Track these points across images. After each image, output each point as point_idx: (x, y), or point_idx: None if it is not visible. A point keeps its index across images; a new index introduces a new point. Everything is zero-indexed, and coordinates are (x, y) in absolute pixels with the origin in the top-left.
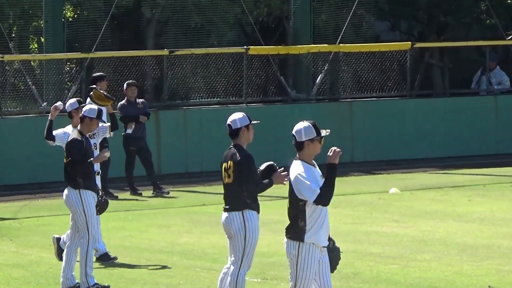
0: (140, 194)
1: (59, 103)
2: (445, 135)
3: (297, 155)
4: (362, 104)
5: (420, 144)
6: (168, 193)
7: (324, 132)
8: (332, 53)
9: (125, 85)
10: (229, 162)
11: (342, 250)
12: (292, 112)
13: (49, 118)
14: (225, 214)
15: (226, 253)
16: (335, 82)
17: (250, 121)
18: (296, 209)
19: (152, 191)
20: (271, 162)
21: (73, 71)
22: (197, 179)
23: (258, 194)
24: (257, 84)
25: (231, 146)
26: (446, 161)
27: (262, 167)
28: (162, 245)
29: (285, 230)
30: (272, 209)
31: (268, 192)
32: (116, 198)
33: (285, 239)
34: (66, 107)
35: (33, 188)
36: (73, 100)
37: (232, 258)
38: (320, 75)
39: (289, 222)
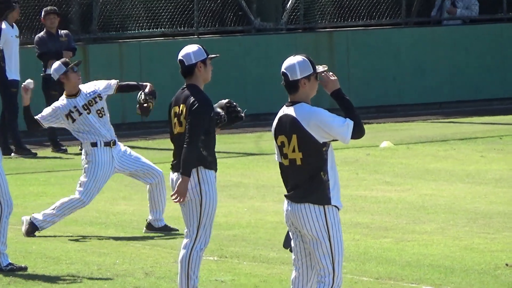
0: (65, 151)
1: (28, 81)
2: (452, 73)
3: (289, 99)
4: (346, 35)
5: (420, 86)
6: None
7: (321, 68)
8: None
9: (42, 12)
10: (181, 106)
11: None
12: (256, 46)
13: (23, 104)
14: (174, 175)
15: (173, 224)
16: (311, 6)
17: (208, 55)
18: (319, 160)
19: (79, 147)
20: (227, 100)
21: None
22: (138, 131)
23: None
24: (212, 10)
25: (184, 86)
26: (453, 106)
27: (217, 109)
28: (92, 215)
29: (291, 195)
30: (232, 169)
31: (227, 147)
32: (34, 155)
33: (297, 206)
34: (51, 74)
35: None
36: (56, 64)
37: (186, 230)
38: None
39: (298, 185)
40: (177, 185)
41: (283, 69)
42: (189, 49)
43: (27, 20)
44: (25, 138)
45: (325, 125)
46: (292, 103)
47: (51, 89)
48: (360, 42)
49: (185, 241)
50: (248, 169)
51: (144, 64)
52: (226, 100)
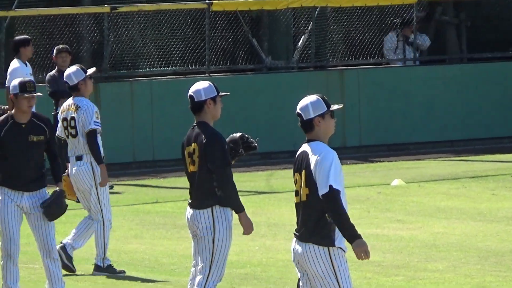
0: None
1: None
2: (463, 111)
3: (307, 138)
4: (356, 73)
5: (431, 124)
6: (111, 187)
7: (336, 106)
8: (318, 9)
9: (54, 51)
10: (193, 145)
11: None
12: (267, 84)
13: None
14: (190, 211)
15: (186, 262)
16: (322, 45)
17: (218, 93)
18: (320, 200)
19: None
20: (240, 134)
21: None
22: (148, 170)
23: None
24: (223, 49)
25: (194, 124)
26: (464, 144)
27: (229, 141)
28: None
29: (298, 234)
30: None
31: (238, 185)
32: None
33: (302, 246)
34: (66, 80)
35: None
36: (74, 68)
37: (200, 266)
38: (303, 36)
39: (305, 224)
40: (242, 224)
41: (297, 110)
42: (200, 86)
43: (38, 58)
44: None
45: (320, 167)
46: (308, 141)
47: None
48: (371, 80)
49: (198, 277)
50: (259, 207)
51: (155, 103)
52: (239, 134)
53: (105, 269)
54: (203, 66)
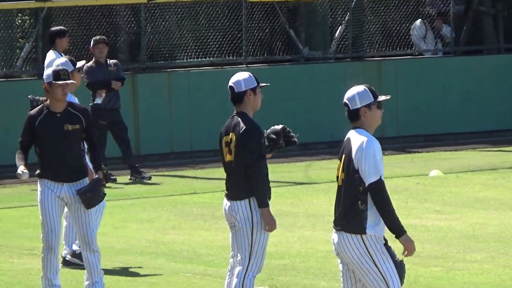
0: (114, 180)
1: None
2: (500, 102)
3: (352, 127)
4: (394, 64)
5: (468, 114)
6: (149, 178)
7: (383, 97)
8: None
9: (91, 42)
10: (230, 134)
11: None
12: (304, 75)
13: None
14: (227, 203)
15: (224, 253)
16: (359, 36)
17: (258, 83)
18: (355, 186)
19: (129, 177)
20: (282, 126)
21: (26, 24)
22: (186, 160)
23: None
24: (260, 40)
25: (233, 114)
26: (501, 135)
27: (271, 135)
28: (143, 245)
29: (334, 222)
30: (282, 198)
31: (276, 176)
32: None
33: (337, 235)
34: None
35: None
36: (63, 59)
37: (239, 257)
38: (340, 27)
39: (339, 210)
40: (263, 220)
41: (344, 99)
42: (240, 76)
43: (75, 49)
44: None
45: (365, 155)
46: (355, 127)
47: (100, 119)
48: (409, 71)
49: (237, 269)
50: (297, 198)
51: (192, 93)
52: (281, 126)
53: (77, 255)
54: (240, 57)
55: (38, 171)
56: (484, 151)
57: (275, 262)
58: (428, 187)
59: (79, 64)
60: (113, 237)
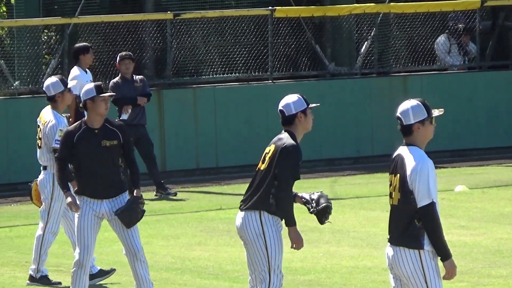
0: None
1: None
2: None
3: (405, 141)
4: (420, 79)
5: (494, 129)
6: (175, 194)
7: (436, 112)
8: (381, 15)
9: (117, 58)
10: (272, 146)
11: None
12: (330, 90)
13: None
14: (239, 215)
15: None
16: (385, 51)
17: (308, 105)
18: (411, 206)
19: (155, 193)
20: (329, 204)
21: (52, 40)
22: (212, 176)
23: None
24: (286, 55)
25: (284, 131)
26: None
27: (315, 196)
28: (168, 261)
29: (390, 237)
30: (306, 214)
31: (300, 191)
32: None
33: (393, 249)
34: (45, 90)
35: (4, 191)
36: (54, 79)
37: (255, 277)
38: (366, 42)
39: (396, 228)
40: (290, 238)
41: (397, 114)
42: (289, 99)
43: (101, 65)
44: None
45: (420, 177)
46: (407, 145)
47: None
48: (434, 86)
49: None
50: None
51: (218, 109)
52: (328, 205)
53: (38, 280)
54: (266, 73)
55: (76, 188)
56: (510, 166)
57: (301, 278)
58: (453, 202)
59: (70, 84)
60: None
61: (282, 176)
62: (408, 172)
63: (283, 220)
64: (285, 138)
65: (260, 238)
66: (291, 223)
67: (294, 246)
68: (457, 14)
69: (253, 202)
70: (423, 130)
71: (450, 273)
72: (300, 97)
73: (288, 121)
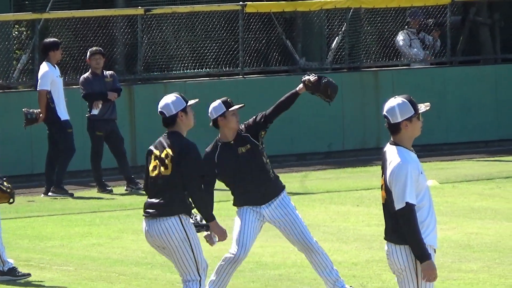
0: (110, 191)
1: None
2: (497, 112)
3: (392, 139)
4: (391, 74)
5: (465, 124)
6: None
7: (423, 107)
8: (351, 10)
9: (88, 53)
10: (165, 150)
11: (367, 259)
12: None
13: None
14: (154, 222)
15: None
16: (356, 46)
17: (187, 103)
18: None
19: (125, 187)
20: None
21: (22, 36)
22: None
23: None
24: (257, 51)
25: (166, 133)
26: (498, 145)
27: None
28: (138, 256)
29: (384, 233)
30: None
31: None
32: (71, 195)
33: (386, 244)
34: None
35: None
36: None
37: (184, 277)
38: (337, 38)
39: (386, 224)
40: (215, 233)
41: (384, 112)
42: (168, 100)
43: (72, 60)
44: (70, 179)
45: (396, 180)
46: (394, 144)
47: (96, 130)
48: (405, 81)
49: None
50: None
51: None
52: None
53: (6, 272)
54: (237, 68)
55: (233, 201)
56: (481, 160)
57: (271, 272)
58: None
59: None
60: (109, 248)
61: (190, 176)
62: (388, 174)
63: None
64: (177, 139)
65: (185, 243)
66: (210, 218)
67: (220, 239)
68: (417, 10)
69: (169, 208)
70: (411, 128)
71: (428, 275)
72: (179, 96)
73: (170, 122)
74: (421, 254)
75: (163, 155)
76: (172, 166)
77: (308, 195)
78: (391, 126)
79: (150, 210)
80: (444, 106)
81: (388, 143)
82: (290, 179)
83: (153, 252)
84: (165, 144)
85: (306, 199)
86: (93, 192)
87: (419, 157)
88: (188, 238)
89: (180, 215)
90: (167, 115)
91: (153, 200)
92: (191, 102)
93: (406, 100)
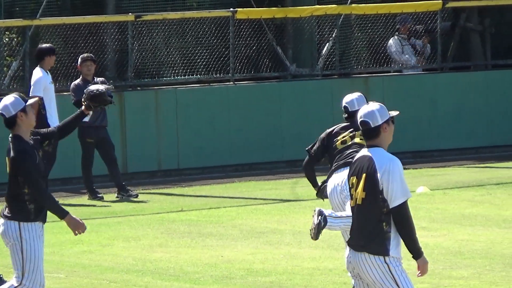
0: (101, 198)
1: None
2: (488, 118)
3: (369, 143)
4: (381, 80)
5: (456, 131)
6: (136, 196)
7: (393, 113)
8: (342, 16)
9: (79, 59)
10: (6, 159)
11: None
12: (291, 92)
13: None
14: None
15: (211, 271)
16: (346, 52)
17: (26, 102)
18: (378, 206)
19: (116, 194)
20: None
21: (13, 42)
22: (173, 178)
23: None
24: (248, 57)
25: (10, 137)
26: (489, 151)
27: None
28: (129, 263)
29: (352, 242)
30: (268, 215)
31: (263, 193)
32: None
33: (356, 254)
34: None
35: None
36: (11, 97)
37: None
38: (327, 44)
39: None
40: (71, 228)
41: (362, 118)
42: (7, 101)
43: (62, 67)
44: (61, 186)
45: (392, 177)
46: (369, 147)
47: (87, 137)
48: (396, 88)
49: (13, 280)
50: (284, 216)
51: (180, 111)
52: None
53: None
54: (228, 74)
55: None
56: (471, 167)
57: (262, 279)
58: (415, 204)
59: (30, 101)
60: (99, 255)
61: (28, 180)
62: (380, 172)
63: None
64: (14, 145)
65: (17, 241)
66: (63, 214)
67: (78, 232)
68: (406, 16)
69: (11, 213)
70: (389, 130)
71: (424, 270)
72: (17, 96)
73: (10, 123)
74: (418, 250)
75: (7, 161)
76: (12, 173)
77: (298, 202)
78: (371, 130)
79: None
80: (435, 112)
81: (363, 149)
82: (280, 186)
83: (144, 259)
84: (8, 151)
85: (296, 206)
86: (84, 199)
87: (409, 163)
88: (21, 243)
89: (20, 222)
90: (7, 116)
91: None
92: (30, 101)
93: (381, 104)
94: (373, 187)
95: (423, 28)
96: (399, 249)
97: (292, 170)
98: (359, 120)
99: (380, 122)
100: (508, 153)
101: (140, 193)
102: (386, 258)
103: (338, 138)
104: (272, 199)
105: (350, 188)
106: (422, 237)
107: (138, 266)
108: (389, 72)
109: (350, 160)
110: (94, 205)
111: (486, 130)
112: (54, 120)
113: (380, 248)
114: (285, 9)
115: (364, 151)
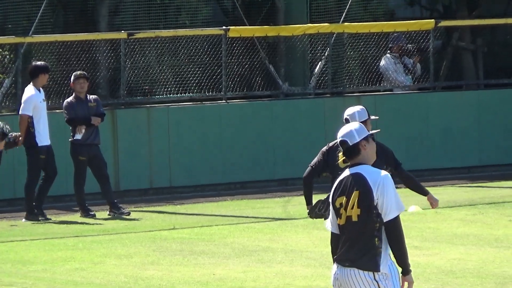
0: (94, 216)
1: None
2: (479, 138)
3: (353, 162)
4: (373, 99)
5: (448, 150)
6: (128, 214)
7: (373, 131)
8: (334, 35)
9: (72, 77)
10: None
11: None
12: (284, 110)
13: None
14: None
15: None
16: (339, 71)
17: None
18: (372, 222)
19: (108, 212)
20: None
21: (5, 60)
22: (165, 196)
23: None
24: (240, 75)
25: None
26: (481, 171)
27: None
28: (121, 280)
29: (341, 258)
30: (260, 234)
31: (255, 212)
32: (48, 220)
33: (344, 270)
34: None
35: None
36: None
37: None
38: (320, 62)
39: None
40: None
41: (341, 138)
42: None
43: (55, 84)
44: (53, 203)
45: (386, 192)
46: (354, 165)
47: (79, 155)
48: (388, 106)
49: None
50: (276, 234)
51: (172, 129)
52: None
53: None
54: (220, 93)
55: None
56: (463, 186)
57: None
58: (407, 223)
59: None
60: (91, 273)
61: None
62: (374, 187)
63: None
64: None
65: None
66: None
67: None
68: (399, 35)
69: None
70: (369, 147)
71: (411, 286)
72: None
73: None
74: (407, 265)
75: None
76: None
77: (290, 220)
78: (350, 149)
79: None
80: (427, 131)
81: (347, 169)
82: (272, 205)
83: (136, 277)
84: None
85: (288, 225)
86: (76, 216)
87: (401, 182)
88: None
89: None
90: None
91: None
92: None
93: (360, 124)
94: (368, 202)
95: (415, 47)
96: (388, 264)
97: (284, 188)
98: (338, 140)
99: (357, 139)
100: (499, 173)
101: (132, 210)
102: (376, 274)
103: (339, 155)
104: (264, 218)
105: (337, 209)
106: (414, 256)
107: (130, 284)
108: (380, 90)
109: None
110: (86, 223)
111: (478, 150)
112: (42, 139)
113: (370, 263)
114: (277, 27)
115: (347, 172)
